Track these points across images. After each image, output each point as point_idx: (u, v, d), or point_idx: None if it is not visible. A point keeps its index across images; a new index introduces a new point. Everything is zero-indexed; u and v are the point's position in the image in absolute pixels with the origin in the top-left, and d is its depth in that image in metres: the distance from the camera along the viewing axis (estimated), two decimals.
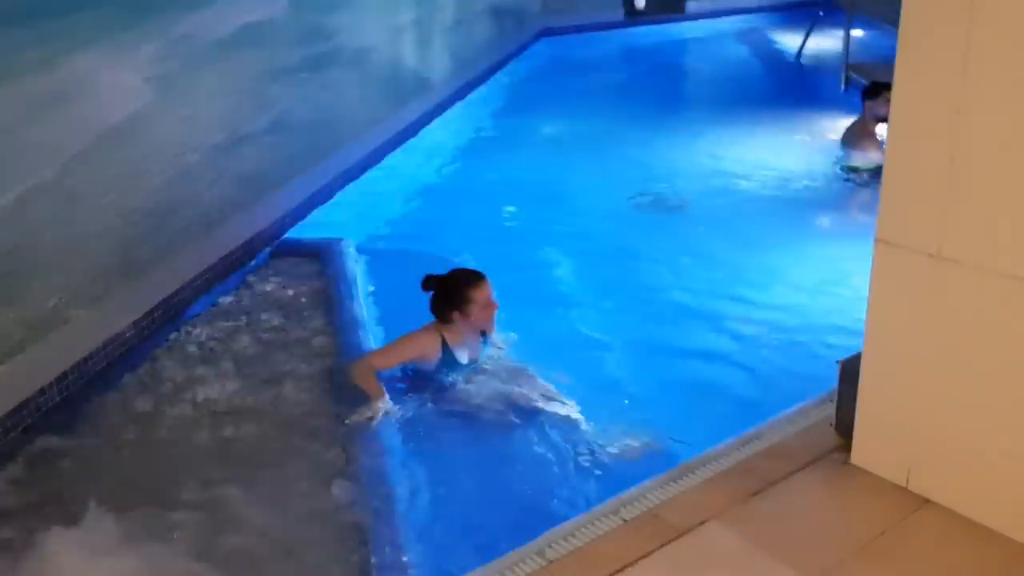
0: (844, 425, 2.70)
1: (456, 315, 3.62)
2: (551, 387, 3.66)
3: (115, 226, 3.90)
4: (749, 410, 3.43)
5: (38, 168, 3.45)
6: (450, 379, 3.69)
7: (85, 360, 3.74)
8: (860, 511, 2.46)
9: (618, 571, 2.29)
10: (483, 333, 3.79)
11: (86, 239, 3.74)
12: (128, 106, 3.92)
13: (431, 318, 3.72)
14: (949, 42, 2.15)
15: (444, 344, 3.66)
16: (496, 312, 3.70)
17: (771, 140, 7.38)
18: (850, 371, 2.64)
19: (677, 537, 2.38)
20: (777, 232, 5.48)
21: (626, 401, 3.73)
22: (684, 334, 4.36)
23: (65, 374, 3.62)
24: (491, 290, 3.65)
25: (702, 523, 2.42)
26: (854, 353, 2.64)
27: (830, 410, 2.81)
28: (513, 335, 4.08)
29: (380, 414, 3.40)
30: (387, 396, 3.48)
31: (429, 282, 3.68)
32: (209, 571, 2.75)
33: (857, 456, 2.61)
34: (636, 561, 2.31)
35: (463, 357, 3.71)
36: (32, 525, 2.92)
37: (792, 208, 5.94)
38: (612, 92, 9.74)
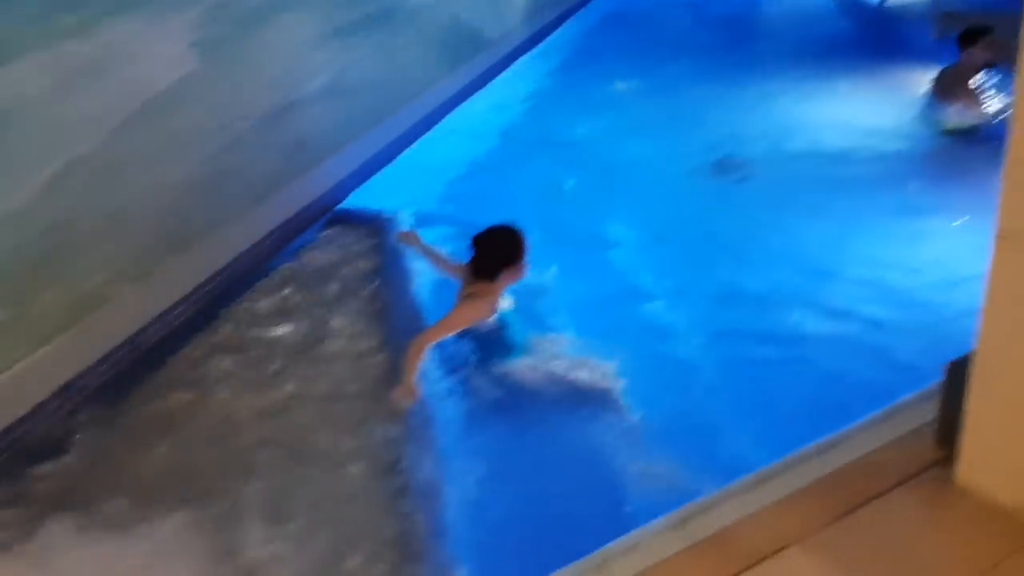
0: (946, 435, 2.40)
1: (506, 271, 3.56)
2: (608, 370, 3.46)
3: (161, 199, 3.75)
4: (826, 408, 3.14)
5: (77, 141, 3.29)
6: (507, 349, 3.55)
7: (133, 337, 3.62)
8: (968, 540, 2.16)
9: None
10: None
11: (131, 213, 3.59)
12: (172, 74, 3.73)
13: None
14: None
15: (494, 304, 3.58)
16: None
17: (850, 96, 6.86)
18: (958, 374, 2.33)
19: (753, 565, 2.13)
20: (856, 201, 5.04)
21: (689, 393, 3.48)
22: (751, 316, 4.06)
23: (112, 352, 3.50)
24: None
25: (781, 549, 2.16)
26: (963, 354, 2.33)
27: (925, 414, 2.50)
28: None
29: (407, 402, 3.27)
30: (416, 388, 3.31)
31: (482, 239, 3.60)
32: (249, 551, 2.67)
33: (964, 474, 2.31)
34: None
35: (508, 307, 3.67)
36: (77, 505, 2.83)
37: (873, 174, 5.46)
38: (680, 46, 9.26)
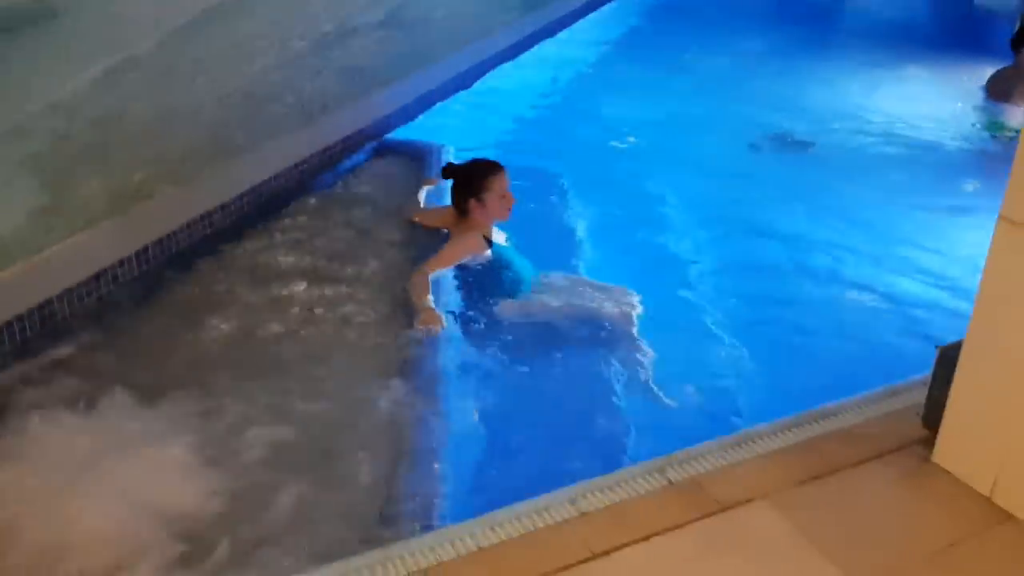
0: (933, 417, 2.41)
1: (473, 203, 3.69)
2: (629, 314, 3.51)
3: (209, 107, 3.85)
4: (837, 382, 3.15)
5: (132, 41, 3.39)
6: (516, 280, 3.63)
7: (169, 237, 3.74)
8: (932, 516, 2.20)
9: (648, 536, 2.12)
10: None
11: (178, 117, 3.70)
12: None
13: (529, 228, 3.90)
14: None
15: (485, 238, 3.68)
16: (510, 204, 3.73)
17: (923, 89, 6.75)
18: (949, 358, 2.34)
19: (718, 512, 2.19)
20: (907, 192, 5.02)
21: (705, 349, 3.52)
22: (783, 286, 4.07)
23: (147, 248, 3.64)
24: (508, 182, 3.72)
25: (748, 501, 2.22)
26: (958, 340, 2.34)
27: (922, 397, 2.53)
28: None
29: (436, 327, 3.32)
30: (437, 312, 3.37)
31: (449, 169, 3.81)
32: (240, 457, 2.74)
33: (939, 454, 2.33)
34: (668, 530, 2.14)
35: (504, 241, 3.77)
36: (91, 392, 2.94)
37: (930, 168, 5.41)
38: (754, 21, 9.14)
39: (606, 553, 2.08)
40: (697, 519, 2.17)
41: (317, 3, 4.46)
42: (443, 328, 3.30)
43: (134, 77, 3.42)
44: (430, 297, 3.40)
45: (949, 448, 2.31)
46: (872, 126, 6.00)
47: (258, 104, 4.15)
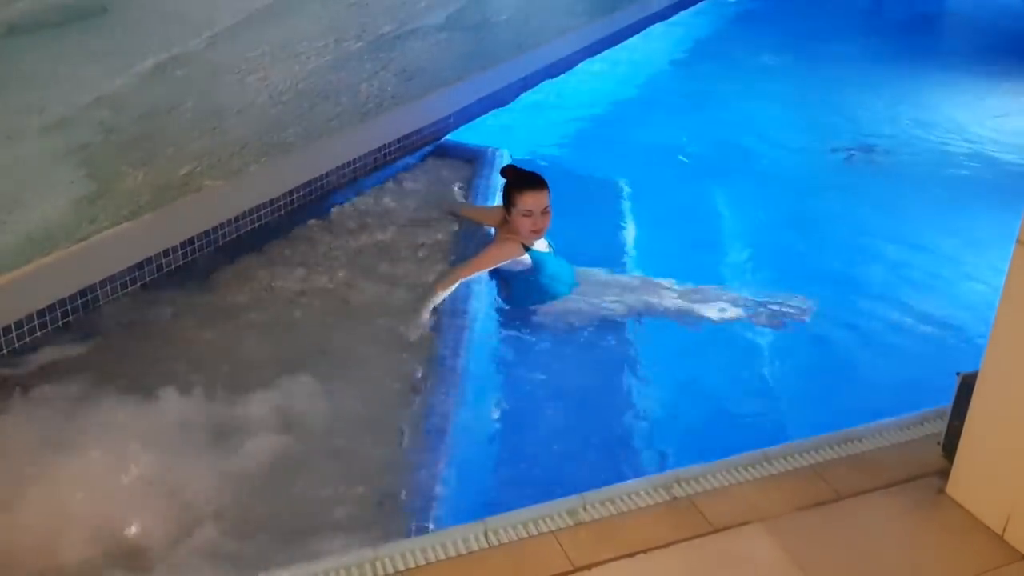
0: (952, 447, 2.30)
1: (513, 212, 3.65)
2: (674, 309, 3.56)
3: (261, 104, 3.93)
4: (882, 405, 3.04)
5: (183, 38, 3.49)
6: (552, 286, 3.65)
7: (215, 229, 3.84)
8: (936, 551, 2.09)
9: (633, 553, 2.08)
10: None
11: (229, 113, 3.79)
12: None
13: (577, 239, 3.92)
14: None
15: (525, 245, 3.64)
16: (543, 226, 3.63)
17: (1005, 103, 6.47)
18: (969, 386, 2.23)
19: (710, 533, 2.13)
20: (977, 215, 4.78)
21: (735, 365, 3.45)
22: (832, 297, 3.94)
23: (192, 239, 3.74)
24: (540, 201, 3.59)
25: (744, 523, 2.15)
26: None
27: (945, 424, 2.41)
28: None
29: (422, 318, 3.38)
30: (425, 320, 3.40)
31: (503, 170, 3.81)
32: (265, 446, 2.79)
33: (953, 487, 2.22)
34: (655, 548, 2.09)
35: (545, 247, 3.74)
36: (121, 378, 3.04)
37: (1007, 192, 5.16)
38: (844, 31, 8.89)
39: (587, 567, 2.04)
40: (687, 539, 2.11)
41: (375, 4, 4.50)
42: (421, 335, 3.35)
43: (184, 73, 3.52)
44: (436, 302, 3.44)
45: (963, 481, 2.19)
46: (955, 143, 5.77)
47: (312, 102, 4.22)
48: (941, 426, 2.45)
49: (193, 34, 3.53)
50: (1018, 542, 2.06)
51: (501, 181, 3.78)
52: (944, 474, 2.29)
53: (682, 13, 8.38)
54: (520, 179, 3.66)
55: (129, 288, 3.49)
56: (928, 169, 5.42)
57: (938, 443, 2.38)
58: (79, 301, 3.30)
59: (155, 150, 3.49)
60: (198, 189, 3.71)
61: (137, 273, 3.51)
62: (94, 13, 3.13)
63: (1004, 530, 2.09)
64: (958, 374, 2.29)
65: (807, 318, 3.60)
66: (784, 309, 3.60)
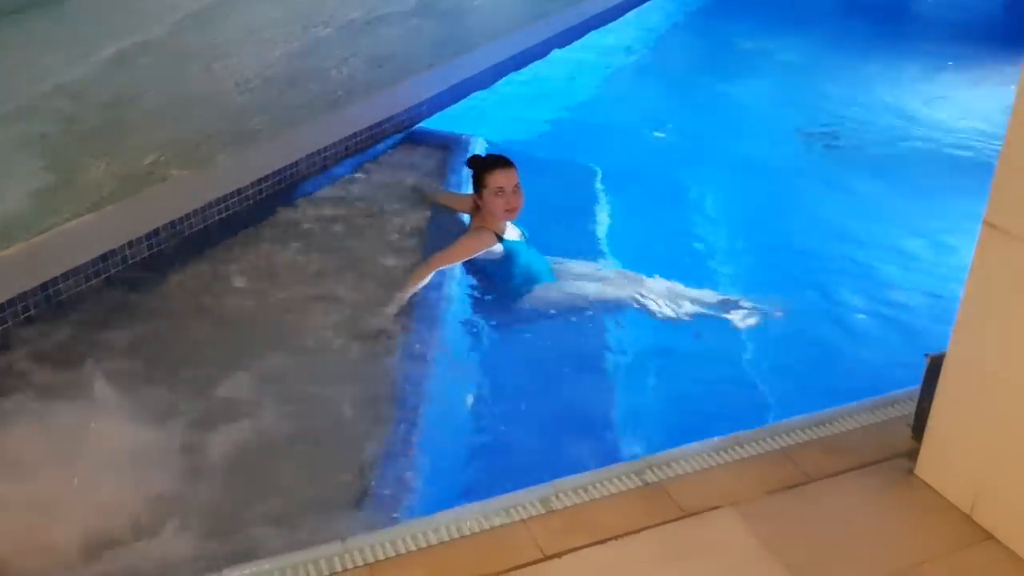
0: (920, 428, 2.30)
1: (476, 199, 3.67)
2: (643, 302, 3.54)
3: (227, 92, 3.88)
4: (841, 391, 3.05)
5: (147, 25, 3.43)
6: (527, 276, 3.61)
7: (182, 220, 3.78)
8: (905, 531, 2.09)
9: (604, 540, 2.07)
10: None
11: (194, 101, 3.73)
12: None
13: (551, 229, 3.89)
14: None
15: (498, 235, 3.61)
16: (517, 204, 3.60)
17: (973, 90, 6.49)
18: (937, 367, 2.23)
19: (681, 518, 2.12)
20: (946, 197, 4.79)
21: (717, 343, 3.45)
22: (795, 277, 3.97)
23: (158, 230, 3.68)
24: (511, 177, 3.59)
25: (714, 508, 2.14)
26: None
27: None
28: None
29: (394, 309, 3.36)
30: (399, 302, 3.39)
31: (468, 161, 3.81)
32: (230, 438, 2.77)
33: (922, 468, 2.22)
34: (627, 534, 2.08)
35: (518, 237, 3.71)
36: (86, 371, 2.99)
37: (972, 175, 5.18)
38: (821, 14, 8.88)
39: (558, 555, 2.03)
40: (658, 524, 2.10)
41: None
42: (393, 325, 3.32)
43: (147, 61, 3.46)
44: (413, 290, 3.42)
45: (931, 462, 2.19)
46: (919, 128, 5.80)
47: (280, 90, 4.17)
48: (911, 408, 2.46)
49: (156, 21, 3.47)
50: (985, 521, 2.06)
51: (470, 173, 3.77)
52: (913, 455, 2.29)
53: (654, 2, 8.34)
54: (487, 160, 3.69)
55: (93, 281, 3.43)
56: (893, 153, 5.45)
57: (908, 424, 2.39)
58: (40, 295, 3.24)
59: (118, 140, 3.44)
60: (163, 179, 3.65)
61: (101, 265, 3.45)
62: (52, 1, 3.07)
63: (972, 509, 2.09)
64: (926, 356, 2.29)
65: (780, 315, 3.58)
66: (758, 306, 3.57)
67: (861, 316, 3.79)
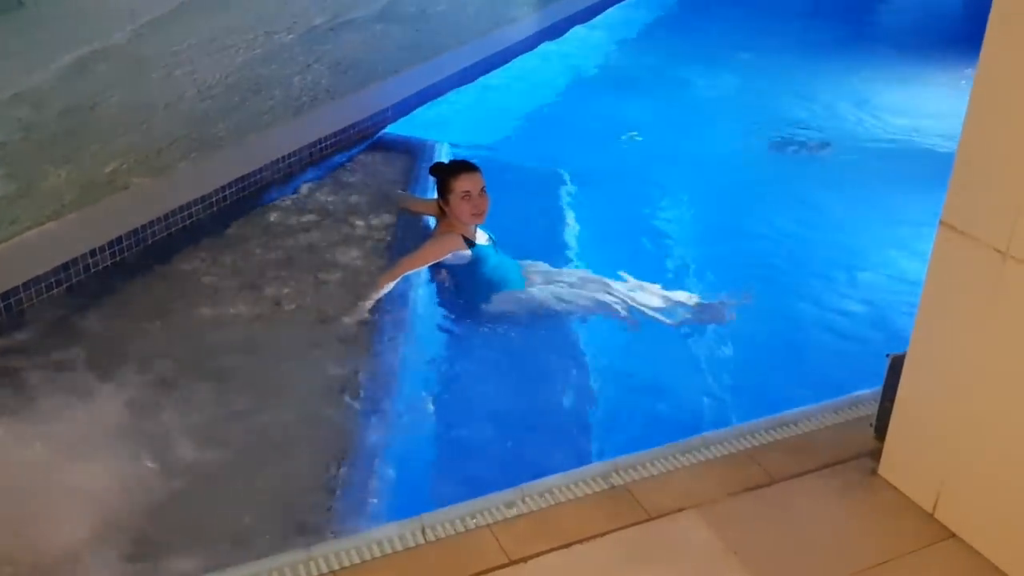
0: (883, 428, 2.33)
1: (443, 204, 3.67)
2: (611, 305, 3.55)
3: (189, 98, 3.84)
4: (806, 392, 3.08)
5: (107, 31, 3.39)
6: (497, 279, 3.60)
7: (144, 227, 3.74)
8: (868, 531, 2.11)
9: (569, 544, 2.07)
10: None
11: (155, 108, 3.69)
12: None
13: (518, 233, 3.90)
14: None
15: (466, 239, 3.61)
16: (484, 208, 3.61)
17: (946, 93, 6.58)
18: (898, 367, 2.25)
19: (645, 521, 2.12)
20: (909, 199, 4.83)
21: (686, 348, 3.46)
22: (766, 279, 3.99)
23: (120, 239, 3.63)
24: (477, 181, 3.60)
25: (678, 511, 2.15)
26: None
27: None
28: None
29: (361, 314, 3.36)
30: (366, 307, 3.39)
31: (431, 168, 3.83)
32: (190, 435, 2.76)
33: (885, 467, 2.24)
34: (591, 538, 2.08)
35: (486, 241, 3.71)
36: (47, 382, 2.95)
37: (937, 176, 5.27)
38: (789, 18, 8.95)
39: (523, 560, 2.03)
40: (622, 528, 2.11)
41: None
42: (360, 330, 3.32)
43: (107, 68, 3.42)
44: (374, 298, 3.42)
45: (893, 461, 2.22)
46: (886, 129, 5.88)
47: (243, 96, 4.13)
48: (874, 408, 2.48)
49: (115, 27, 3.43)
50: (948, 520, 2.09)
51: (433, 181, 3.76)
52: (877, 455, 2.31)
53: (620, 6, 8.38)
54: (452, 166, 3.69)
55: (55, 290, 3.38)
56: (856, 154, 5.52)
57: (871, 425, 2.41)
58: (1, 305, 3.18)
59: (78, 147, 3.39)
60: (125, 187, 3.61)
61: (63, 275, 3.40)
62: (10, 7, 3.02)
63: (934, 508, 2.11)
64: (888, 355, 2.31)
65: (748, 299, 3.61)
66: (724, 303, 3.59)
67: (827, 316, 3.83)
